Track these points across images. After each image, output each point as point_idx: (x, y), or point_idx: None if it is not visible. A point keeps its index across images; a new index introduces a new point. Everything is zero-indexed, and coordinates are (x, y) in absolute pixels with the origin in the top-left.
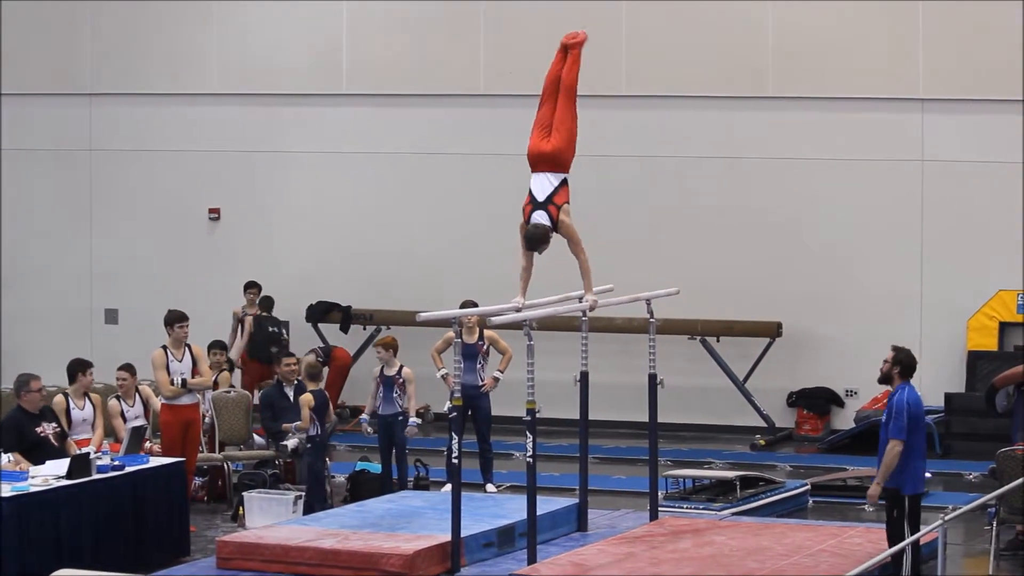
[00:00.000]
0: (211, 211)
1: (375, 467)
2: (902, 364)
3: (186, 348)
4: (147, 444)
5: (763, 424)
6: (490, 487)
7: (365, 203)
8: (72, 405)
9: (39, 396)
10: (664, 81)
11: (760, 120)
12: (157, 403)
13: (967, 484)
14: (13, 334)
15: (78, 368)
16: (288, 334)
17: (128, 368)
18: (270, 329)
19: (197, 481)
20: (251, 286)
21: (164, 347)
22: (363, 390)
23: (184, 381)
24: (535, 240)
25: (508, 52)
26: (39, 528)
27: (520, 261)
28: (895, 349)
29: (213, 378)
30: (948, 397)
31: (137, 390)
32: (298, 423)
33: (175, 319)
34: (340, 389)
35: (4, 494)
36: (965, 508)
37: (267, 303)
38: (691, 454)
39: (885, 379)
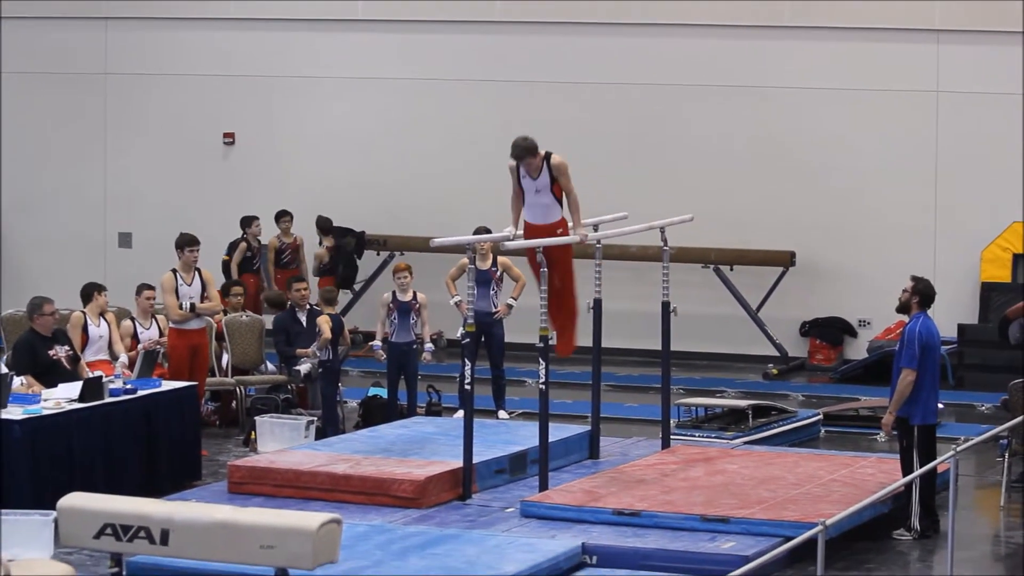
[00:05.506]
0: (226, 136)
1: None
2: (921, 294)
3: (196, 272)
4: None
5: (776, 353)
6: (502, 414)
7: (380, 129)
8: (89, 322)
9: (52, 319)
10: (680, 10)
11: (776, 49)
12: (163, 326)
13: (979, 415)
14: (27, 257)
15: (93, 289)
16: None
17: (152, 287)
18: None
19: (209, 406)
20: (283, 215)
21: (174, 270)
22: (375, 315)
23: (193, 305)
24: (522, 149)
25: None
26: (51, 451)
27: (512, 190)
28: (914, 279)
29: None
30: (961, 328)
31: (154, 316)
32: (320, 341)
33: (185, 243)
34: None
35: (16, 417)
36: (977, 439)
37: (243, 222)
38: (704, 383)
39: (903, 308)
